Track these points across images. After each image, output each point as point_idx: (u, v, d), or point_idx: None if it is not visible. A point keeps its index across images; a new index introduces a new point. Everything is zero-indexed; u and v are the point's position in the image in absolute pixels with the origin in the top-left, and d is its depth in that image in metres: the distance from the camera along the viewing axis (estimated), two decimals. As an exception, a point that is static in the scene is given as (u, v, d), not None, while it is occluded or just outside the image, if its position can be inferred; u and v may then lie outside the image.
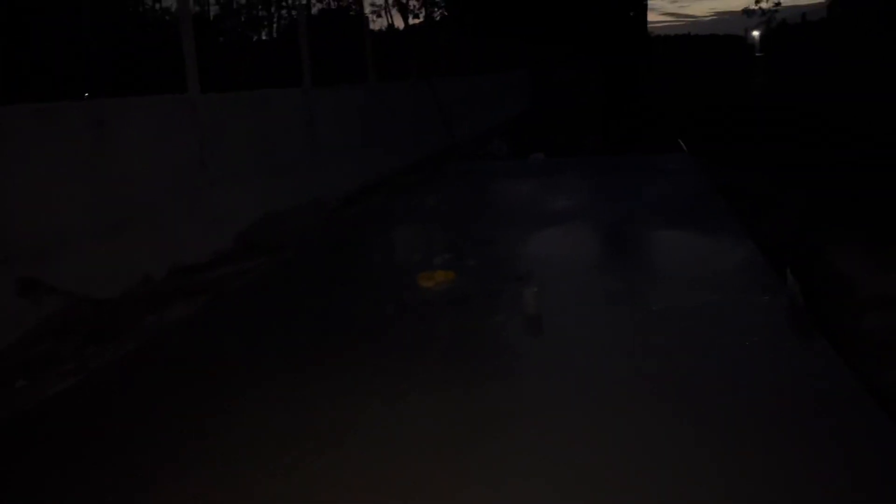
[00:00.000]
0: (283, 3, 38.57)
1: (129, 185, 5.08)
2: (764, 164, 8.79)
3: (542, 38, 30.71)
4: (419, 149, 12.12)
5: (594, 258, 4.91)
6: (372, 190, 8.98)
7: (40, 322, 3.93)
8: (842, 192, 6.79)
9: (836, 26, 17.51)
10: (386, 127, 10.71)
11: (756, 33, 27.75)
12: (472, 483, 2.12)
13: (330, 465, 2.27)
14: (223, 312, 4.17)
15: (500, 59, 23.20)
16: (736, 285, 3.76)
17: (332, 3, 43.56)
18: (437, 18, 46.04)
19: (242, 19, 35.64)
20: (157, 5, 29.97)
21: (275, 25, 38.14)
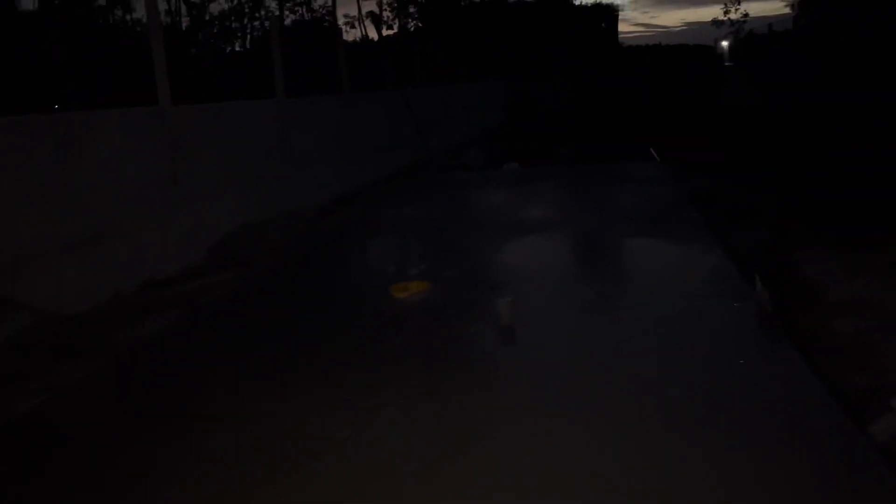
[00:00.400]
0: (256, 15, 38.50)
1: (99, 198, 5.02)
2: (734, 171, 8.92)
3: (516, 48, 30.97)
4: (394, 159, 12.13)
5: (568, 267, 4.95)
6: (347, 201, 8.96)
7: (8, 339, 3.87)
8: (811, 197, 6.92)
9: (801, 36, 17.89)
10: (361, 138, 10.72)
11: (725, 43, 28.23)
12: (452, 496, 2.12)
13: (305, 481, 2.26)
14: (195, 327, 4.13)
15: (474, 69, 23.34)
16: (706, 293, 3.81)
17: (305, 15, 43.52)
18: (412, 29, 46.25)
19: (215, 31, 35.49)
20: (128, 17, 29.73)
21: (248, 37, 38.03)
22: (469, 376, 2.99)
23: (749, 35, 25.96)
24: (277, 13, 37.83)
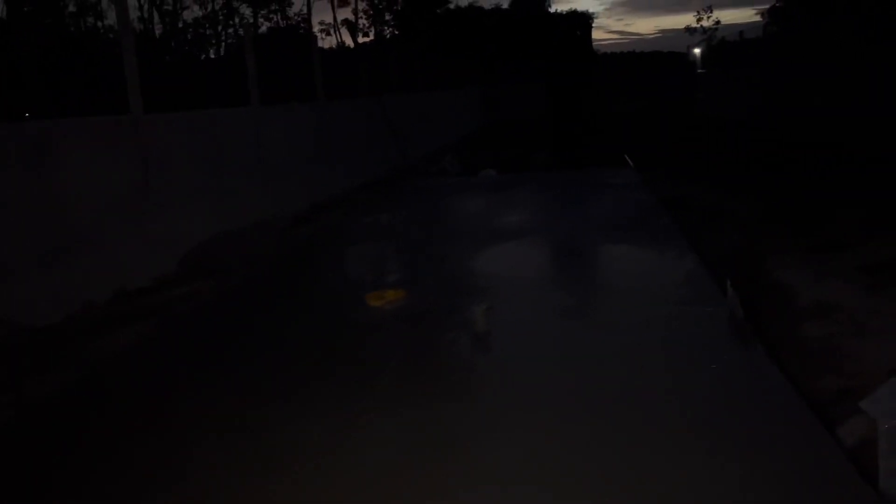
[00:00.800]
0: (231, 22, 38.32)
1: (70, 208, 4.96)
2: (707, 177, 9.05)
3: (493, 56, 31.13)
4: (371, 166, 12.12)
5: (545, 273, 4.97)
6: (323, 209, 8.94)
7: (-25, 353, 3.80)
8: (782, 201, 7.04)
9: (771, 43, 18.18)
10: (337, 145, 10.70)
11: (697, 51, 28.59)
12: (425, 504, 2.12)
13: (284, 492, 2.24)
14: (169, 338, 4.08)
15: (451, 76, 23.41)
16: (679, 298, 3.85)
17: (280, 22, 43.42)
18: (388, 36, 46.33)
19: (189, 38, 35.26)
20: (100, 24, 29.42)
21: (222, 44, 37.81)
22: (446, 384, 2.99)
23: (721, 42, 26.31)
24: (252, 20, 37.69)
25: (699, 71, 26.54)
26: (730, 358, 3.01)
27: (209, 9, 37.61)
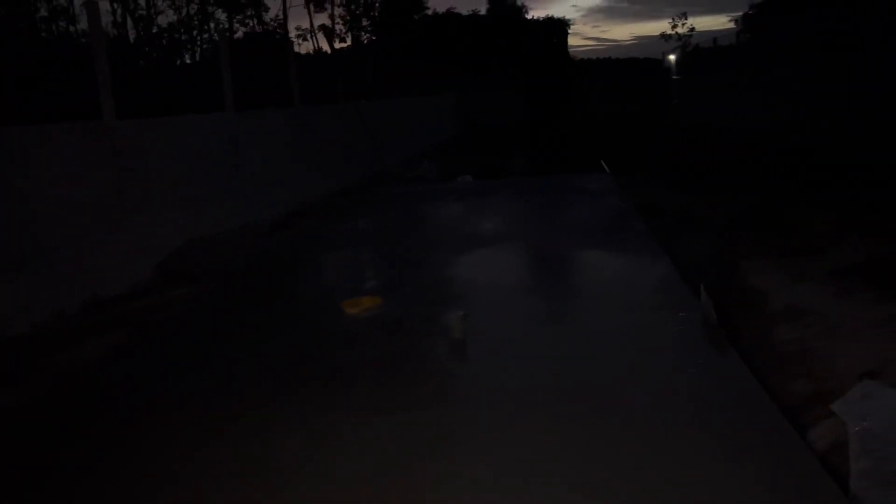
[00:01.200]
0: (206, 28, 38.03)
1: (40, 215, 4.87)
2: (681, 182, 9.14)
3: (470, 62, 31.23)
4: (348, 173, 12.08)
5: (520, 280, 4.98)
6: (299, 215, 8.88)
7: (-61, 364, 3.71)
8: (754, 206, 7.12)
9: (743, 50, 18.46)
10: (313, 151, 10.64)
11: (672, 57, 28.93)
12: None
13: (258, 501, 2.21)
14: (140, 348, 4.02)
15: (429, 82, 23.44)
16: (653, 303, 3.87)
17: (256, 27, 43.15)
18: (365, 42, 46.27)
19: (164, 43, 34.90)
20: (72, 28, 29.02)
21: (198, 49, 37.51)
22: (422, 392, 2.97)
23: (695, 49, 26.66)
24: (227, 25, 37.46)
25: (674, 77, 26.85)
26: (703, 362, 3.03)
27: (184, 13, 37.30)
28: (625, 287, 4.28)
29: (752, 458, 2.26)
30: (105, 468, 2.53)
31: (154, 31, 33.63)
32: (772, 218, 6.55)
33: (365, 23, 47.51)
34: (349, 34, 47.72)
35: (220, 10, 38.85)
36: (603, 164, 10.43)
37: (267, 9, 43.39)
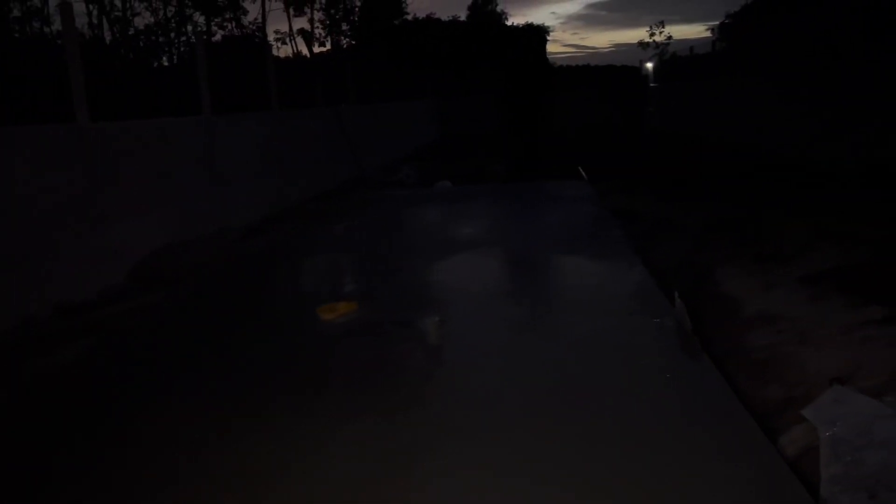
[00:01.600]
0: (183, 30, 37.73)
1: (8, 219, 4.78)
2: (658, 189, 9.22)
3: (451, 67, 31.28)
4: (326, 177, 12.03)
5: (498, 285, 4.98)
6: (276, 219, 8.82)
7: None
8: (728, 213, 7.20)
9: (718, 58, 18.71)
10: (291, 155, 10.58)
11: (650, 65, 29.22)
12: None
13: (221, 513, 2.18)
14: (113, 354, 3.95)
15: (408, 87, 23.45)
16: (628, 309, 3.89)
17: (235, 31, 42.90)
18: (345, 46, 46.18)
19: (141, 45, 34.56)
20: (48, 29, 28.63)
21: (175, 52, 37.19)
22: (398, 398, 2.96)
23: (672, 57, 26.97)
24: (204, 28, 37.19)
25: (651, 85, 27.12)
26: (676, 368, 3.05)
27: (161, 15, 36.98)
28: (601, 293, 4.30)
29: (723, 464, 2.27)
30: (71, 477, 2.48)
31: (131, 32, 33.30)
32: (746, 225, 6.62)
33: (344, 27, 47.47)
34: (329, 38, 47.63)
35: (197, 13, 38.59)
36: (580, 170, 10.49)
37: (245, 12, 43.10)
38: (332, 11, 46.69)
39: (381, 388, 3.05)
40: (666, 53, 34.22)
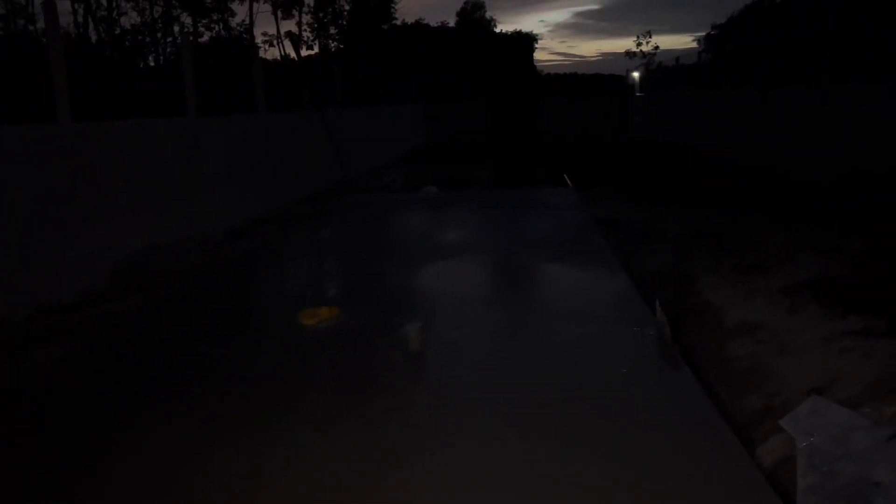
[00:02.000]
0: (170, 30, 37.53)
1: (-15, 219, 4.73)
2: (642, 198, 9.28)
3: (438, 73, 31.36)
4: (312, 180, 12.00)
5: (481, 292, 4.98)
6: (260, 223, 8.79)
7: None
8: (711, 223, 7.26)
9: (704, 70, 18.89)
10: (277, 158, 10.55)
11: (636, 74, 29.44)
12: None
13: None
14: (90, 358, 3.90)
15: (395, 92, 23.46)
16: (609, 317, 3.90)
17: (222, 32, 42.75)
18: (333, 50, 46.17)
19: (127, 45, 34.35)
20: (33, 27, 28.37)
21: (162, 52, 36.97)
22: (379, 404, 2.94)
23: (659, 67, 27.18)
24: (191, 29, 37.01)
25: (638, 94, 27.31)
26: (656, 377, 3.06)
27: (148, 15, 36.79)
28: (583, 300, 4.30)
29: (699, 474, 2.28)
30: (41, 483, 2.44)
31: (116, 32, 33.09)
32: (728, 234, 6.68)
33: (333, 31, 47.47)
34: (317, 42, 47.60)
35: (185, 14, 38.43)
36: (566, 178, 10.53)
37: (233, 14, 43.02)
38: (321, 15, 46.69)
39: (363, 395, 3.04)
40: (653, 63, 34.47)
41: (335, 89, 15.98)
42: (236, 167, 9.06)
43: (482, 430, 2.66)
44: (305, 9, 46.06)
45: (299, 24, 46.28)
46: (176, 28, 36.89)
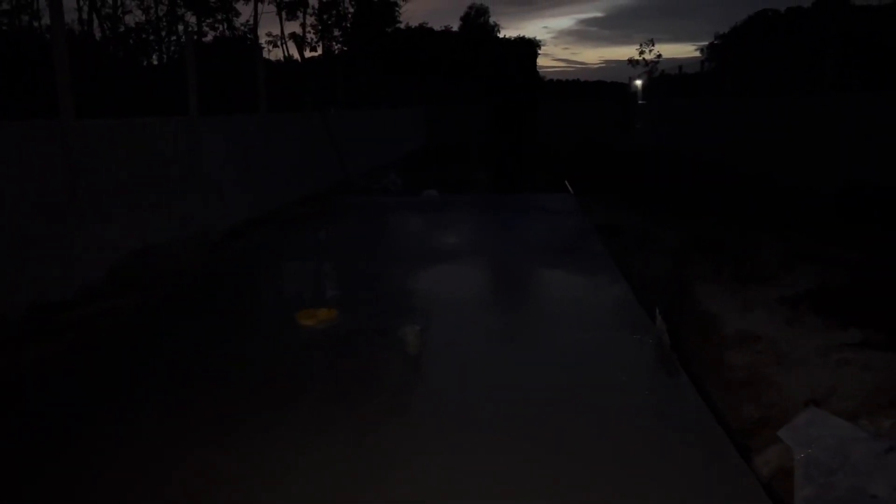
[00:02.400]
0: (174, 29, 37.58)
1: (-15, 214, 4.71)
2: (642, 205, 9.28)
3: (439, 77, 31.40)
4: (312, 181, 11.99)
5: (479, 296, 4.97)
6: (259, 223, 8.78)
7: None
8: (712, 232, 7.26)
9: (707, 79, 18.92)
10: (277, 159, 10.54)
11: (639, 82, 29.49)
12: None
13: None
14: (85, 355, 3.89)
15: (397, 95, 23.49)
16: (608, 325, 3.90)
17: (226, 32, 42.81)
18: (336, 52, 46.23)
19: (131, 42, 34.38)
20: (37, 23, 28.41)
21: (165, 51, 37.01)
22: (375, 406, 2.93)
23: (661, 75, 27.23)
24: (196, 28, 37.07)
25: (640, 102, 27.34)
26: (654, 385, 3.05)
27: (153, 14, 36.84)
28: (582, 307, 4.30)
29: (697, 483, 2.27)
30: (33, 479, 2.43)
31: (121, 30, 33.13)
32: (727, 243, 6.68)
33: (336, 33, 47.54)
34: (320, 43, 47.66)
35: (189, 13, 38.48)
36: (567, 184, 10.54)
37: (238, 14, 43.04)
38: (325, 17, 46.75)
39: (361, 396, 3.03)
40: (655, 72, 34.54)
41: (337, 91, 16.00)
42: (237, 167, 9.06)
43: (481, 433, 2.65)
44: (310, 10, 46.14)
45: (303, 25, 46.35)
46: (180, 27, 36.94)
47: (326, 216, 8.49)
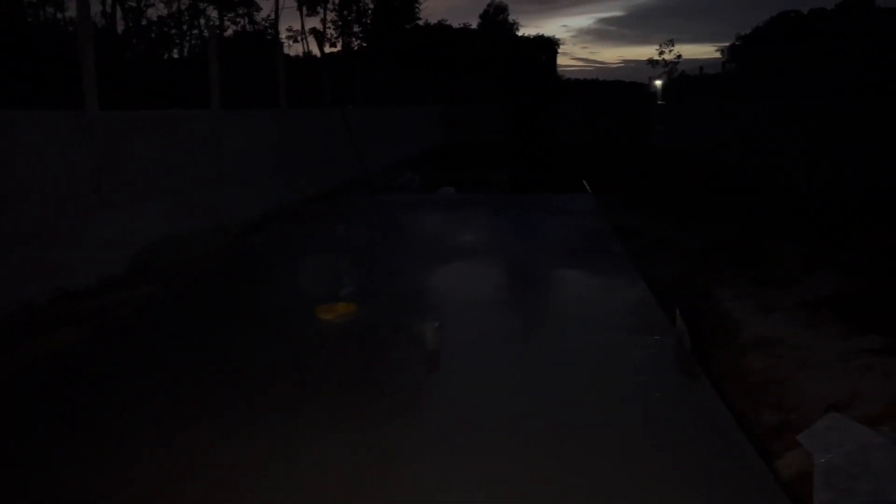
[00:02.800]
0: (196, 23, 37.83)
1: (11, 202, 4.79)
2: (661, 207, 9.23)
3: (459, 74, 31.38)
4: (329, 177, 12.04)
5: (496, 295, 4.97)
6: (278, 217, 8.83)
7: None
8: (731, 235, 7.21)
9: (727, 81, 18.77)
10: (296, 154, 10.60)
11: (658, 83, 29.31)
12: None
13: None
14: (105, 342, 3.94)
15: (415, 92, 23.50)
16: (628, 326, 3.88)
17: (247, 26, 43.02)
18: (355, 48, 46.33)
19: (153, 36, 34.66)
20: (60, 15, 28.72)
21: (186, 44, 37.27)
22: (392, 402, 2.95)
23: (681, 76, 27.05)
24: (217, 23, 37.27)
25: (659, 103, 27.18)
26: (675, 388, 3.04)
27: (174, 8, 37.10)
28: (600, 307, 4.29)
29: (718, 487, 2.26)
30: (53, 464, 2.47)
31: (143, 23, 33.41)
32: (746, 247, 6.63)
33: (356, 29, 47.63)
34: (340, 39, 47.79)
35: (211, 7, 38.71)
36: (585, 184, 10.50)
37: (259, 9, 43.26)
38: (345, 13, 46.88)
39: (377, 392, 3.04)
40: (675, 72, 34.31)
41: (355, 87, 16.03)
42: (256, 161, 9.12)
43: (496, 433, 2.65)
44: (330, 6, 46.26)
45: (323, 20, 46.49)
46: (202, 21, 37.17)
47: (345, 212, 8.52)
